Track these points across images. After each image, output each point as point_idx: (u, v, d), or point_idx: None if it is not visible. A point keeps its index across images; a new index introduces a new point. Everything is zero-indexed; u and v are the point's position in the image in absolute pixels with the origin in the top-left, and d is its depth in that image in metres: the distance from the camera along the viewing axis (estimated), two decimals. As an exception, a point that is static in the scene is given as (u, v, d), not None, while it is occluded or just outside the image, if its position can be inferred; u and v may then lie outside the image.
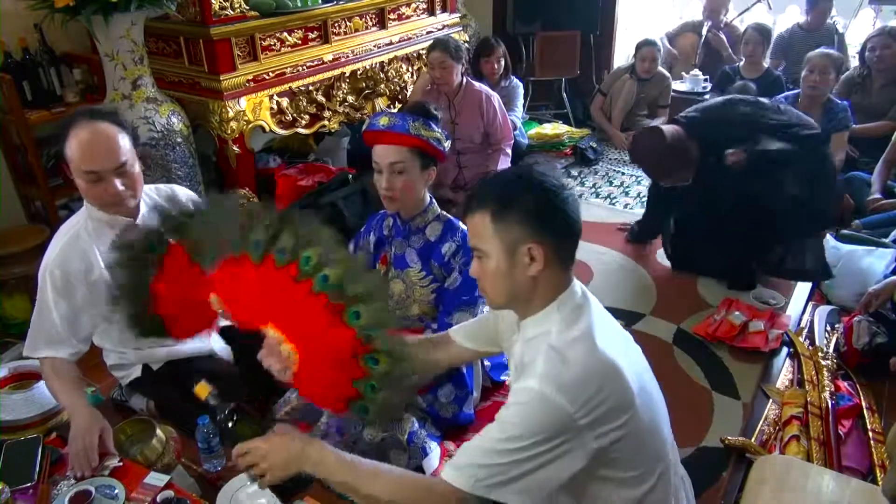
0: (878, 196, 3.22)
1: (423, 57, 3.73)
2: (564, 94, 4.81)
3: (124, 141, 1.73)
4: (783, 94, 3.51)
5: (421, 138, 1.84)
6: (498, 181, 1.29)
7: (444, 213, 2.02)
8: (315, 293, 1.23)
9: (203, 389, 1.41)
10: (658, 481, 1.26)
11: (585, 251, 3.19)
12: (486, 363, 2.22)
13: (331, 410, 1.47)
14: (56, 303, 1.78)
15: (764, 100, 2.83)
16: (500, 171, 1.39)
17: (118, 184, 1.71)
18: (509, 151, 3.59)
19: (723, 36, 4.68)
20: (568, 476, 1.15)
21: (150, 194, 1.90)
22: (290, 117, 2.99)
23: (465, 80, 3.49)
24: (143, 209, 1.85)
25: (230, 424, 1.40)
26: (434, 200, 2.02)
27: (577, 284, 1.29)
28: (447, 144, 1.92)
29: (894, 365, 2.26)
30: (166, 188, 1.98)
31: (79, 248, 1.79)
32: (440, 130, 1.89)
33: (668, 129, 2.70)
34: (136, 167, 1.77)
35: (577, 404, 1.12)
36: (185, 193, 2.01)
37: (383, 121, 1.85)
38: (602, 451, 1.16)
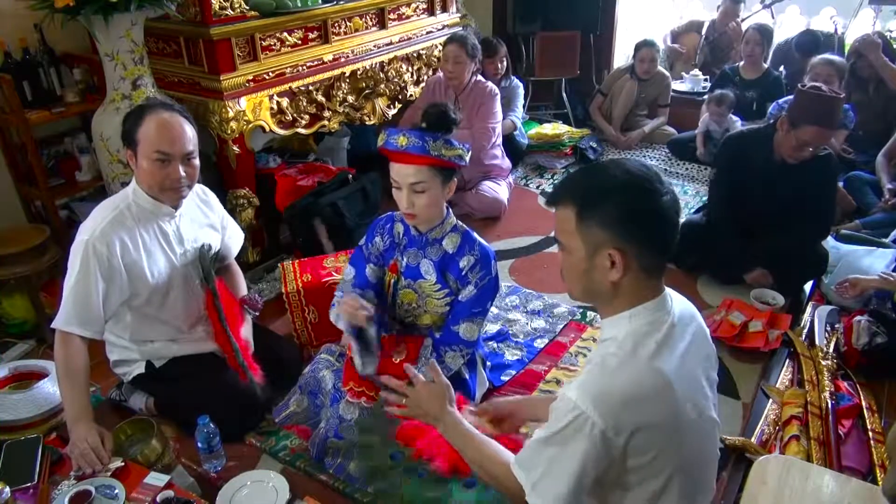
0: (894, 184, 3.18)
1: (424, 57, 3.73)
2: (564, 94, 4.80)
3: (193, 133, 1.89)
4: (784, 100, 3.47)
5: (442, 158, 1.74)
6: (588, 176, 1.21)
7: (462, 223, 1.95)
8: None
9: None
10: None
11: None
12: (488, 363, 2.22)
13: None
14: (97, 278, 1.81)
15: None
16: (597, 164, 1.29)
17: (181, 170, 1.86)
18: (497, 142, 3.59)
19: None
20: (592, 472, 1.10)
21: (194, 190, 2.04)
22: (290, 117, 2.99)
23: (474, 77, 3.51)
24: (182, 203, 1.98)
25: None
26: (451, 211, 1.94)
27: (674, 303, 1.21)
28: (468, 157, 1.83)
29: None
30: (201, 190, 2.13)
31: (124, 226, 1.86)
32: (461, 146, 1.79)
33: None
34: (198, 161, 1.92)
35: (610, 420, 1.07)
36: (213, 198, 2.19)
37: (401, 141, 1.73)
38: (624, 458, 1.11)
